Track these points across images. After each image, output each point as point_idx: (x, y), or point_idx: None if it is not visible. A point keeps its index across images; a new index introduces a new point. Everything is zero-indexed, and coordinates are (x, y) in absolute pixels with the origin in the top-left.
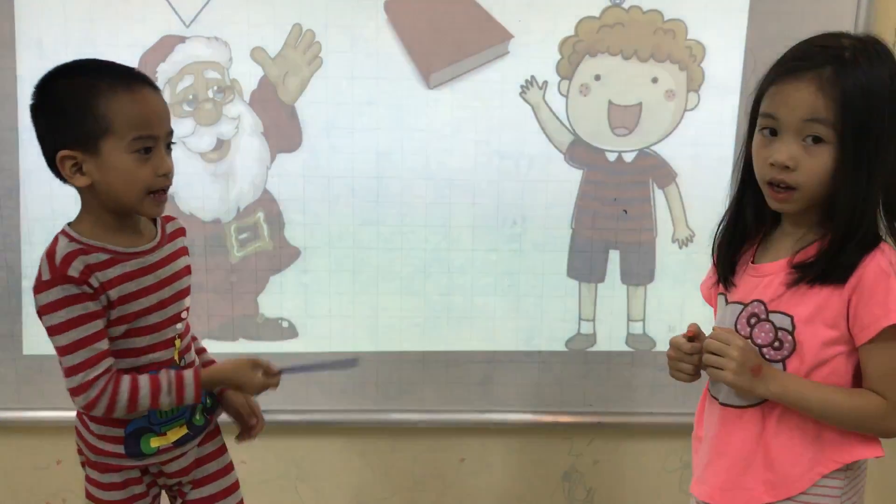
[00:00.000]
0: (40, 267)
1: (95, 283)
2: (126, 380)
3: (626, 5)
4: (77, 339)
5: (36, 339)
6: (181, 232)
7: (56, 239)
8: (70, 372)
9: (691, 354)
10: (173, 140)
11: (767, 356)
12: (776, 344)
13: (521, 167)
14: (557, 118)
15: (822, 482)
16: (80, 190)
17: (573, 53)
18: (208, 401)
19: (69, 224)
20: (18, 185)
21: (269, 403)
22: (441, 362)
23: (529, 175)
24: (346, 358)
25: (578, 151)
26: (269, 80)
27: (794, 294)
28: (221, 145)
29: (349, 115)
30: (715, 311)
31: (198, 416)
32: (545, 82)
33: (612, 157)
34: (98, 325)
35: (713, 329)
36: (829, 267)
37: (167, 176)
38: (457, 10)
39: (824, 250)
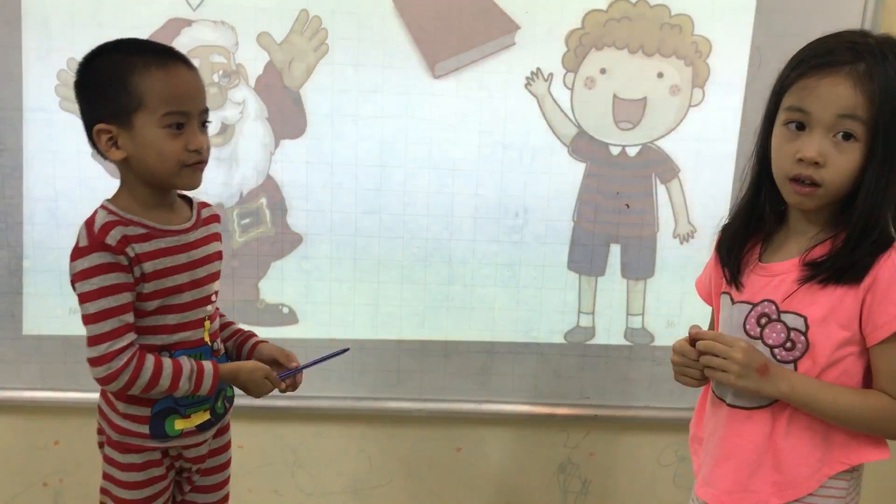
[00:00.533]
0: (78, 235)
1: (131, 254)
2: (151, 358)
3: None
4: (106, 308)
5: (36, 319)
6: (215, 218)
7: (95, 212)
8: (94, 341)
9: (697, 360)
10: (208, 118)
11: (779, 357)
12: (788, 344)
13: (524, 159)
14: (562, 110)
15: (828, 483)
16: (118, 165)
17: (579, 46)
18: (229, 390)
19: (107, 200)
20: (22, 165)
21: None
22: (440, 352)
23: (532, 167)
24: (338, 349)
25: (582, 144)
26: (274, 65)
27: (806, 294)
28: (226, 130)
29: (354, 103)
30: (717, 311)
31: (219, 404)
32: (550, 74)
33: (615, 150)
34: (127, 297)
35: (707, 333)
36: (845, 266)
37: (199, 151)
38: (464, 0)
39: (838, 249)
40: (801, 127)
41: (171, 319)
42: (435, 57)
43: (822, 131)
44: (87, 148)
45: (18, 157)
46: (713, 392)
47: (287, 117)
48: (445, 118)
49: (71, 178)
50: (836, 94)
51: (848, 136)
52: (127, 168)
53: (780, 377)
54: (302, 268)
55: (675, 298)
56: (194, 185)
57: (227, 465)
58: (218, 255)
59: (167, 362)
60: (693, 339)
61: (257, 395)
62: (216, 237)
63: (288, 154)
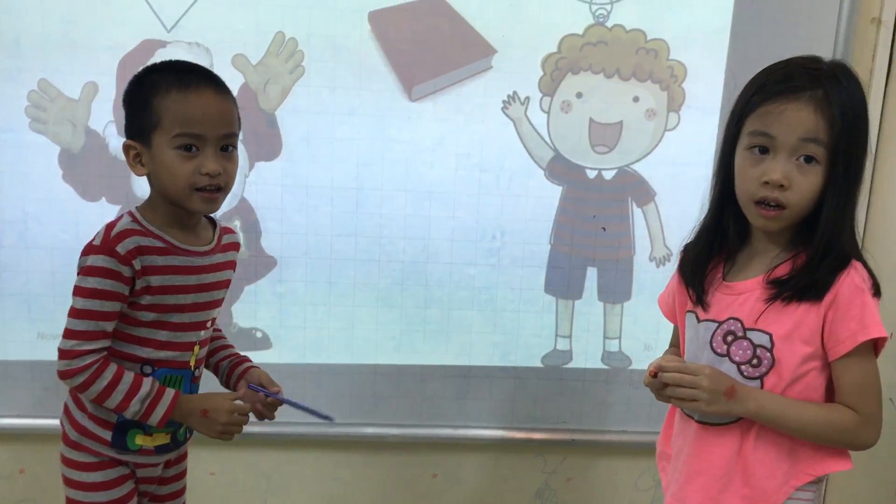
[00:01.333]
0: (98, 233)
1: (137, 266)
2: (113, 368)
3: (609, 24)
4: (90, 310)
5: (2, 344)
6: (235, 246)
7: (121, 216)
8: (68, 334)
9: (662, 390)
10: (234, 144)
11: (745, 373)
12: (754, 361)
13: (501, 182)
14: (538, 134)
15: (795, 495)
16: (148, 179)
17: (556, 70)
18: None
19: (137, 207)
20: None
21: None
22: (416, 376)
23: (509, 190)
24: (325, 414)
25: (559, 168)
26: (249, 87)
27: (771, 311)
28: None
29: (330, 125)
30: (682, 329)
31: (182, 430)
32: (527, 98)
33: (591, 174)
34: (114, 306)
35: (670, 364)
36: (807, 284)
37: (211, 175)
38: (441, 23)
39: (801, 267)
40: (764, 151)
41: (163, 336)
42: (412, 80)
43: (786, 155)
44: (56, 170)
45: None
46: (682, 410)
47: (262, 139)
48: (422, 141)
49: (41, 201)
50: (799, 119)
51: (810, 159)
52: (152, 184)
53: (747, 397)
54: (276, 291)
55: (652, 322)
56: (206, 210)
57: (181, 492)
58: (226, 283)
59: (127, 378)
60: (655, 373)
61: (209, 434)
62: (230, 265)
63: (263, 176)
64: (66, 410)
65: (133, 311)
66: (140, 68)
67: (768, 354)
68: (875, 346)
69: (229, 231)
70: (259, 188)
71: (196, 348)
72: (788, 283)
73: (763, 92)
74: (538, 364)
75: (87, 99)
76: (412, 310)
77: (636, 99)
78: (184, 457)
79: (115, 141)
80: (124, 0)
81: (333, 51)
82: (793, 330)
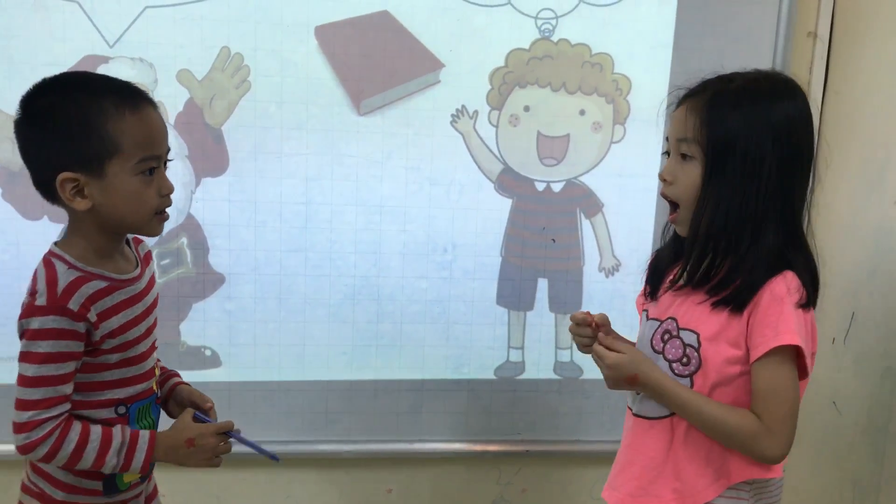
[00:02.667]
0: (35, 290)
1: (93, 317)
2: (77, 427)
3: (554, 38)
4: (45, 376)
5: None
6: (150, 256)
7: (50, 263)
8: (22, 406)
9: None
10: (170, 157)
11: (677, 371)
12: (684, 359)
13: (451, 195)
14: (487, 147)
15: (727, 493)
16: (72, 213)
17: (503, 84)
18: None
19: (58, 246)
20: None
21: None
22: (369, 391)
23: (460, 203)
24: (271, 453)
25: (508, 180)
26: (195, 102)
27: (702, 312)
28: None
29: (277, 140)
30: (640, 322)
31: None
32: (475, 112)
33: (540, 186)
34: (71, 366)
35: (602, 340)
36: (734, 292)
37: (169, 196)
38: (388, 38)
39: (712, 269)
40: (669, 154)
41: (131, 371)
42: (360, 94)
43: (674, 155)
44: None
45: None
46: (627, 401)
47: (208, 155)
48: (371, 155)
49: None
50: (677, 122)
51: (686, 157)
52: (86, 217)
53: (649, 387)
54: (225, 308)
55: None
56: (159, 232)
57: None
58: (157, 300)
59: (95, 433)
60: (586, 321)
61: (207, 461)
62: (154, 280)
63: (209, 192)
64: (39, 471)
65: (97, 357)
66: (39, 85)
67: (696, 354)
68: (798, 360)
69: (140, 241)
70: (206, 204)
71: (156, 371)
72: (713, 290)
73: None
74: (491, 376)
75: None
76: (364, 324)
77: (582, 112)
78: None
79: None
80: (65, 15)
81: (280, 65)
82: (719, 332)
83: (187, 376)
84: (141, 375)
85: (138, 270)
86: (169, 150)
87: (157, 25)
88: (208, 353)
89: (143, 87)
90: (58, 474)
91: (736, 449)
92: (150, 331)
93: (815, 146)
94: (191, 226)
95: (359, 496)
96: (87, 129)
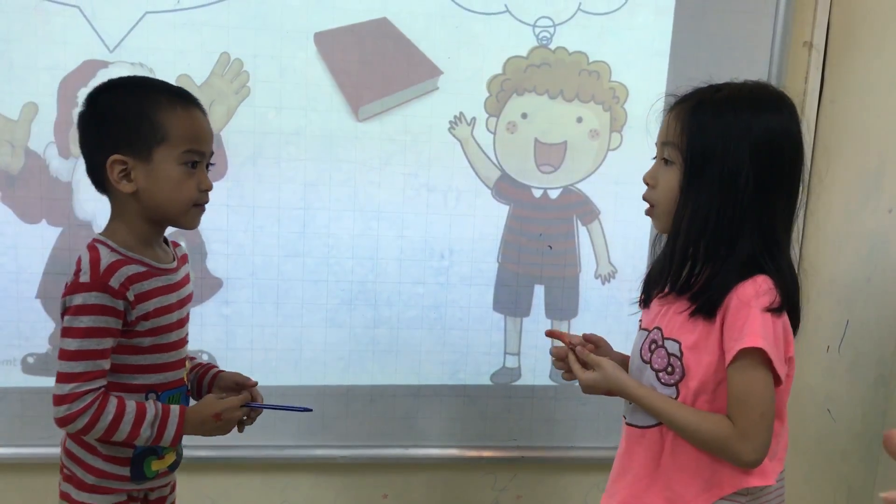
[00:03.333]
0: (78, 270)
1: (130, 297)
2: (114, 401)
3: (552, 46)
4: (86, 350)
5: None
6: (186, 259)
7: (94, 247)
8: (64, 378)
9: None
10: (211, 161)
11: (663, 380)
12: (669, 369)
13: (448, 201)
14: (485, 154)
15: (719, 503)
16: (117, 199)
17: (501, 91)
18: None
19: (102, 234)
20: None
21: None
22: (365, 396)
23: (457, 209)
24: (301, 406)
25: (505, 187)
26: None
27: (685, 322)
28: None
29: (276, 145)
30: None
31: (182, 442)
32: (473, 119)
33: (537, 193)
34: (110, 342)
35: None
36: (701, 298)
37: (207, 192)
38: (387, 44)
39: (690, 278)
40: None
41: (163, 358)
42: (359, 100)
43: (658, 159)
44: None
45: None
46: (623, 409)
47: None
48: (369, 161)
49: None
50: (663, 126)
51: (667, 161)
52: (130, 202)
53: (626, 396)
54: (222, 313)
55: None
56: (195, 225)
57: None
58: (191, 297)
59: (130, 406)
60: (561, 355)
61: (228, 429)
62: (188, 278)
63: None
64: (73, 456)
65: (131, 339)
66: (104, 83)
67: (679, 363)
68: (772, 366)
69: (177, 244)
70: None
71: (186, 363)
72: (690, 297)
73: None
74: (487, 382)
75: (27, 120)
76: (361, 330)
77: (580, 119)
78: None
79: (56, 163)
80: (65, 20)
81: (279, 71)
82: (699, 340)
83: None
84: (172, 363)
85: (175, 263)
86: (213, 153)
87: (157, 31)
88: (205, 357)
89: (194, 95)
90: (88, 459)
91: (712, 453)
92: (182, 322)
93: (811, 158)
94: (188, 230)
95: (354, 501)
96: (140, 117)
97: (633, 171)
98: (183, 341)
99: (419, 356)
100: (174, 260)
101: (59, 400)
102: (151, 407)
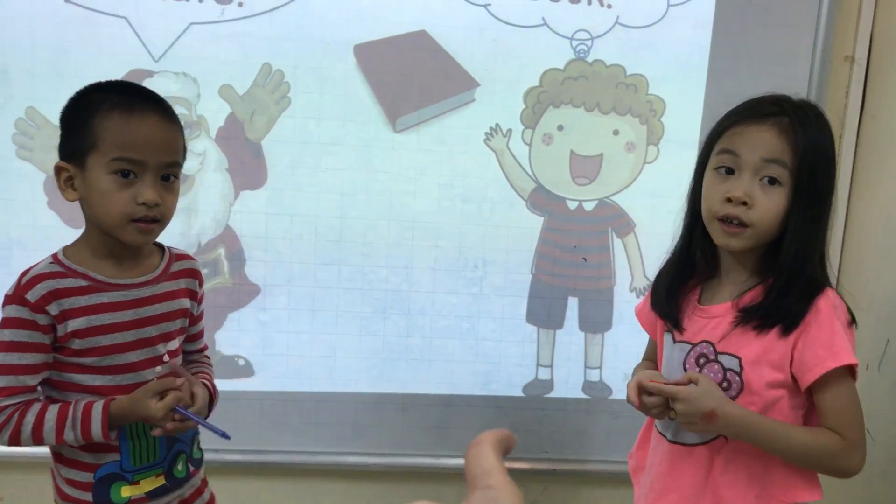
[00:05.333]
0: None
1: (54, 311)
2: (34, 410)
3: (589, 59)
4: (8, 364)
5: None
6: (191, 273)
7: (45, 259)
8: None
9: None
10: (176, 174)
11: None
12: (724, 384)
13: (483, 212)
14: (520, 165)
15: None
16: (81, 206)
17: (537, 104)
18: (196, 451)
19: (68, 245)
20: None
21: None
22: (397, 405)
23: (491, 220)
24: (222, 431)
25: (540, 199)
26: (236, 117)
27: (742, 336)
28: (185, 180)
29: (315, 155)
30: (659, 344)
31: (179, 467)
32: (509, 130)
33: (572, 205)
34: (37, 358)
35: (650, 385)
36: (777, 313)
37: (147, 205)
38: (425, 57)
39: (770, 294)
40: (730, 172)
41: (117, 381)
42: (396, 112)
43: (750, 174)
44: (42, 196)
45: None
46: (656, 428)
47: (247, 168)
48: (406, 171)
49: (25, 227)
50: (762, 140)
51: (773, 181)
52: (84, 212)
53: (731, 423)
54: (259, 319)
55: (633, 351)
56: (139, 242)
57: None
58: (181, 313)
59: (51, 413)
60: (640, 390)
61: (158, 419)
62: (183, 293)
63: (247, 205)
64: (52, 474)
65: (69, 357)
66: (80, 91)
67: (737, 378)
68: (852, 373)
69: (185, 258)
70: (244, 216)
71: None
72: (757, 311)
73: (733, 116)
74: (519, 393)
75: None
76: (394, 338)
77: (616, 132)
78: (202, 489)
79: None
80: (113, 30)
81: (319, 82)
82: (762, 355)
83: (221, 385)
84: (130, 386)
85: (144, 279)
86: (174, 163)
87: (202, 41)
88: (241, 362)
89: (187, 116)
90: (59, 481)
91: (818, 470)
92: (145, 342)
93: (850, 173)
94: (229, 237)
95: None
96: (79, 122)
97: (671, 185)
98: (147, 363)
99: (451, 366)
100: (153, 274)
101: None
102: (72, 410)
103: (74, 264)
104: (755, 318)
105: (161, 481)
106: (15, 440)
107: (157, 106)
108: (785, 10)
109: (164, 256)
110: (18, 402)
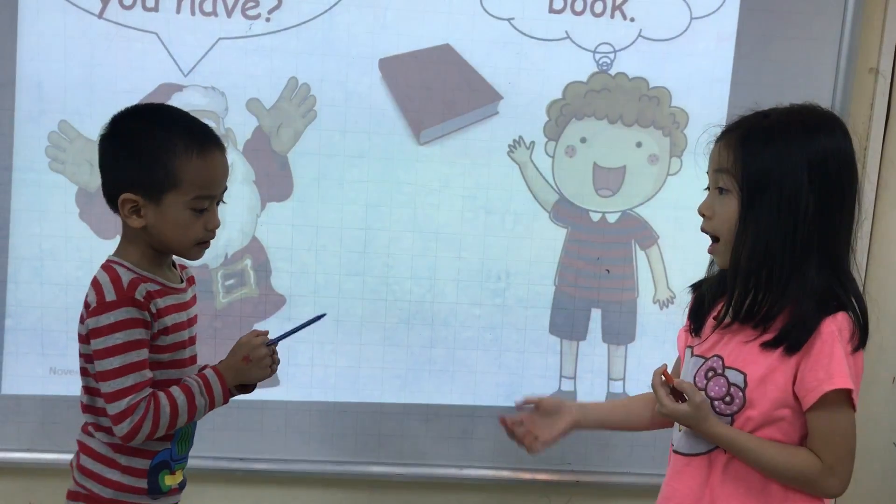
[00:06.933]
0: (100, 290)
1: (153, 309)
2: (162, 395)
3: (612, 72)
4: (131, 363)
5: (15, 379)
6: (193, 280)
7: (110, 268)
8: (116, 396)
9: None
10: (224, 200)
11: (718, 409)
12: (727, 398)
13: (506, 223)
14: (543, 177)
15: None
16: (128, 225)
17: (560, 116)
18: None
19: (116, 255)
20: (8, 224)
21: (244, 452)
22: (421, 415)
23: (514, 231)
24: (315, 317)
25: (563, 210)
26: (263, 130)
27: (750, 352)
28: None
29: (340, 167)
30: (682, 360)
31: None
32: (532, 142)
33: (595, 217)
34: (146, 353)
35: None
36: (787, 334)
37: (214, 231)
38: (449, 70)
39: (742, 300)
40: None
41: (177, 374)
42: (420, 124)
43: (712, 188)
44: (73, 208)
45: (5, 216)
46: (672, 445)
47: (274, 180)
48: (430, 183)
49: (57, 238)
50: (715, 153)
51: (723, 190)
52: (139, 232)
53: (712, 440)
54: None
55: (656, 363)
56: (196, 258)
57: None
58: (197, 318)
59: (177, 392)
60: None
61: (264, 375)
62: (195, 300)
63: (274, 216)
64: (88, 472)
65: (154, 354)
66: (129, 109)
67: (741, 394)
68: (851, 398)
69: (183, 267)
70: (270, 228)
71: None
72: (761, 326)
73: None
74: None
75: None
76: (418, 349)
77: (639, 144)
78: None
79: None
80: (143, 45)
81: (345, 96)
82: (767, 374)
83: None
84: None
85: (184, 284)
86: (226, 189)
87: (230, 56)
88: None
89: (216, 130)
90: (106, 473)
91: (797, 487)
92: (192, 340)
93: (876, 185)
94: (255, 248)
95: None
96: (156, 161)
97: (694, 196)
98: (193, 359)
99: (475, 377)
100: (182, 281)
101: (118, 418)
102: (191, 381)
103: (143, 270)
104: (757, 333)
105: (181, 477)
106: (155, 430)
107: (218, 143)
108: (809, 22)
109: (176, 266)
110: (147, 395)
